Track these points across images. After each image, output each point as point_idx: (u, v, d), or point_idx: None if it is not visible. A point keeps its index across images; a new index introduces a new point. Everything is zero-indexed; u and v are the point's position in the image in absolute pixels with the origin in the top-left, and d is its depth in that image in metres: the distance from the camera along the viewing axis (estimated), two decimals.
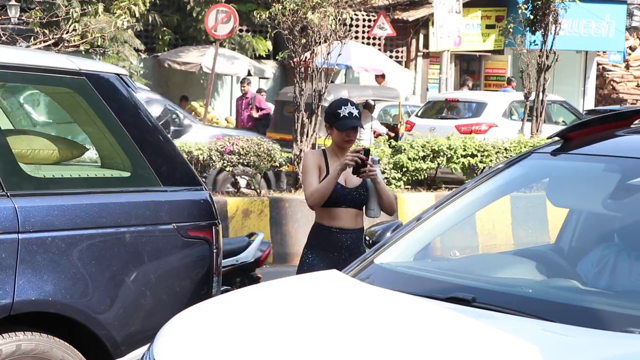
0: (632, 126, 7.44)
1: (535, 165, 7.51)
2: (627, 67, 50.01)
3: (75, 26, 26.37)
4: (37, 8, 29.35)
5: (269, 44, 35.95)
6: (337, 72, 25.32)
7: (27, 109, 9.69)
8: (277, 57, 36.15)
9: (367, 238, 7.61)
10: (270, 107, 33.45)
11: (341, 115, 9.81)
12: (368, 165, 9.66)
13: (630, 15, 49.02)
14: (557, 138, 7.53)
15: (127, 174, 8.70)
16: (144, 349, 6.56)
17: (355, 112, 9.90)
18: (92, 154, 9.05)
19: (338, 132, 9.97)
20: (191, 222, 8.60)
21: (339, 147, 10.12)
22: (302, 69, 22.18)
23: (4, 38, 23.92)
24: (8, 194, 7.82)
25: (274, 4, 29.18)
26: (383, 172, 21.26)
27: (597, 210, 7.16)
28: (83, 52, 23.45)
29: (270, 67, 36.90)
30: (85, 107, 8.77)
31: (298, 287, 7.09)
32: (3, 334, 7.70)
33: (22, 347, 7.76)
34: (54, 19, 27.68)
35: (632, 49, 50.40)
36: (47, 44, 24.09)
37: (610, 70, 49.56)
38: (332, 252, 9.51)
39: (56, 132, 9.38)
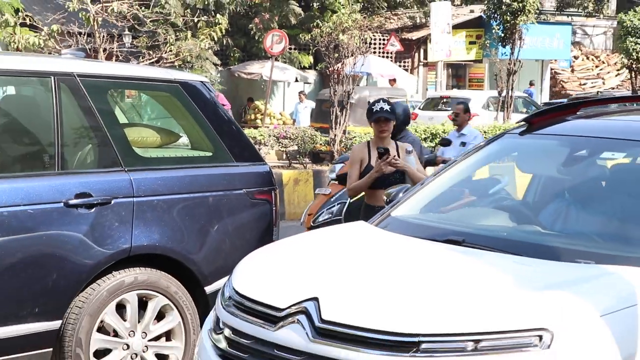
0: (577, 113, 7.51)
1: (507, 143, 7.55)
2: (572, 71, 49.63)
3: (171, 48, 26.46)
4: (144, 36, 29.39)
5: (311, 58, 35.71)
6: (360, 78, 25.23)
7: (137, 110, 9.73)
8: (316, 68, 35.98)
9: (385, 197, 7.67)
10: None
11: (374, 110, 9.40)
12: (393, 159, 9.30)
13: (574, 33, 48.57)
14: (523, 123, 7.58)
15: (209, 154, 8.82)
16: (224, 279, 6.60)
17: (386, 107, 9.36)
18: (184, 139, 9.13)
19: (373, 125, 9.54)
20: (256, 188, 8.71)
21: (377, 137, 9.64)
22: (335, 76, 22.17)
23: (120, 58, 24.02)
24: (126, 169, 7.94)
25: (315, 29, 29.09)
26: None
27: (552, 175, 7.19)
28: (177, 67, 23.41)
29: (311, 75, 36.68)
30: (179, 106, 8.88)
31: (338, 232, 7.23)
32: (125, 269, 7.83)
33: (138, 278, 7.86)
34: (156, 43, 27.79)
35: (576, 57, 50.00)
36: (151, 61, 24.23)
37: (560, 74, 49.20)
38: None
39: (158, 124, 9.46)
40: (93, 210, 7.69)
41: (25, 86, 8.21)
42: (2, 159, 7.89)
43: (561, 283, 5.51)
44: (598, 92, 43.08)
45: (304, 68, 36.69)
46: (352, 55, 23.02)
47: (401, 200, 7.21)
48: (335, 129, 21.01)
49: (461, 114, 15.58)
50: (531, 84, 43.24)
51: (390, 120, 9.46)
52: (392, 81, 37.92)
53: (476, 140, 14.20)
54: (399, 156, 9.43)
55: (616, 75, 47.72)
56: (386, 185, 8.84)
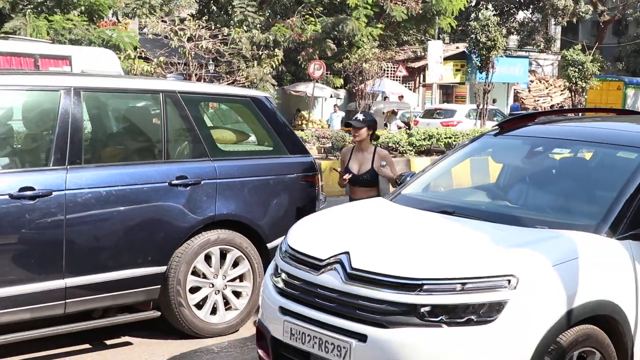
0: (535, 121, 7.47)
1: (485, 141, 7.52)
2: (529, 91, 49.39)
3: (242, 73, 26.52)
4: (223, 64, 29.37)
5: (342, 80, 35.65)
6: (377, 94, 25.24)
7: (219, 117, 9.73)
8: (346, 87, 35.88)
9: (397, 180, 7.70)
10: None
11: (353, 118, 8.68)
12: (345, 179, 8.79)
13: (530, 64, 48.36)
14: (496, 127, 7.55)
15: (270, 149, 8.79)
16: (281, 238, 6.62)
17: (360, 117, 8.58)
18: (252, 138, 9.14)
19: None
20: (303, 173, 8.69)
21: (354, 141, 8.84)
22: (359, 93, 22.24)
23: (206, 80, 24.10)
24: (211, 159, 7.98)
25: (345, 59, 28.98)
26: (400, 147, 21.26)
27: (517, 164, 7.18)
28: (246, 86, 23.40)
29: (342, 93, 36.62)
30: (249, 114, 8.87)
31: (362, 205, 7.18)
32: (211, 230, 7.87)
33: (220, 237, 7.88)
34: (232, 70, 27.83)
35: (532, 81, 49.77)
36: (228, 82, 24.27)
37: (520, 93, 48.94)
38: None
39: (233, 127, 9.48)
40: (188, 188, 7.72)
41: (142, 100, 8.25)
42: (126, 152, 8.06)
43: (524, 242, 5.54)
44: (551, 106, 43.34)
45: (336, 87, 36.63)
46: (371, 79, 23.11)
47: (408, 182, 7.20)
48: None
49: None
50: (494, 101, 42.98)
51: (359, 127, 8.52)
52: (400, 97, 37.80)
53: None
54: (373, 159, 8.66)
55: (560, 94, 47.53)
56: (359, 182, 8.61)
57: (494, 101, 43.50)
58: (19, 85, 7.57)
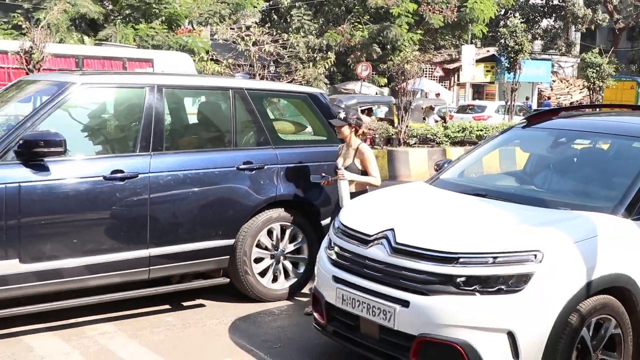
0: (558, 115, 7.39)
1: (514, 133, 7.42)
2: (551, 89, 48.84)
3: (299, 73, 26.46)
4: (283, 65, 29.39)
5: (385, 80, 35.53)
6: (417, 92, 25.08)
7: (280, 110, 9.70)
8: (389, 86, 35.66)
9: (435, 167, 7.61)
10: None
11: (335, 116, 7.89)
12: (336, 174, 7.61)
13: (552, 66, 47.78)
14: (524, 120, 7.47)
15: (324, 138, 8.66)
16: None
17: (341, 115, 7.72)
18: (308, 129, 9.09)
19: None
20: None
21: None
22: (401, 91, 21.99)
23: (268, 79, 24.15)
24: (273, 147, 7.97)
25: (388, 61, 28.84)
26: (437, 138, 21.18)
27: (543, 153, 7.07)
28: (303, 84, 23.35)
29: (385, 90, 36.44)
30: (306, 108, 8.82)
31: (405, 188, 7.16)
32: (272, 209, 7.88)
33: (280, 215, 7.88)
34: (290, 70, 27.80)
35: (554, 81, 49.20)
36: (287, 81, 24.27)
37: (543, 91, 48.42)
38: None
39: (293, 119, 9.44)
40: (253, 172, 7.73)
41: (214, 96, 8.28)
42: (200, 141, 8.07)
43: (549, 222, 5.50)
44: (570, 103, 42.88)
45: (381, 86, 36.48)
46: (411, 78, 22.86)
47: (445, 169, 7.15)
48: (401, 124, 20.86)
49: None
50: (527, 98, 42.73)
51: (339, 126, 7.65)
52: (437, 94, 37.57)
53: None
54: (355, 154, 7.67)
55: (579, 93, 46.91)
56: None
57: (527, 98, 43.16)
58: (111, 84, 7.69)
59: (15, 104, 7.65)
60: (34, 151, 6.48)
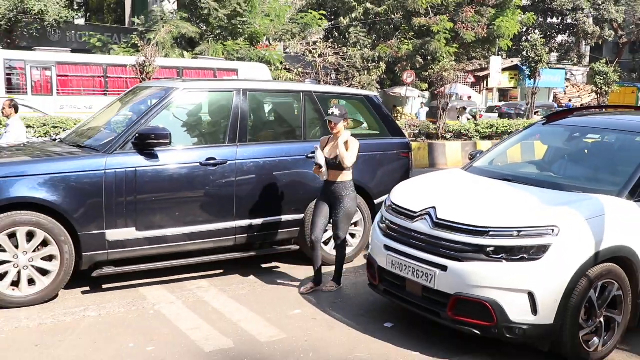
0: (573, 114, 7.26)
1: (535, 129, 7.29)
2: (565, 93, 47.81)
3: (356, 79, 26.40)
4: (342, 73, 29.32)
5: (427, 85, 35.19)
6: (452, 95, 24.82)
7: None
8: (429, 90, 35.34)
9: (469, 156, 7.52)
10: None
11: (327, 113, 6.84)
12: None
13: (566, 74, 46.82)
14: (544, 118, 7.36)
15: (378, 132, 8.62)
16: (385, 196, 6.62)
17: (336, 112, 6.75)
18: (365, 125, 9.04)
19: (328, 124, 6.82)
20: (401, 150, 8.54)
21: (330, 132, 6.90)
22: (440, 94, 21.83)
23: (331, 84, 24.10)
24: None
25: (429, 70, 28.55)
26: (469, 133, 20.92)
27: (560, 146, 6.94)
28: (359, 88, 23.27)
29: (427, 94, 36.09)
30: (362, 108, 8.78)
31: (444, 173, 7.10)
32: None
33: None
34: (348, 77, 27.70)
35: (567, 87, 48.17)
36: (347, 86, 24.16)
37: (558, 95, 47.41)
38: (326, 194, 6.88)
39: (351, 117, 9.39)
40: None
41: (289, 98, 8.26)
42: (276, 134, 8.01)
43: (564, 202, 5.42)
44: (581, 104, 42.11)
45: (423, 90, 36.15)
46: (448, 84, 22.68)
47: (478, 158, 7.07)
48: (440, 121, 20.71)
49: (6, 109, 10.45)
50: (555, 99, 41.83)
51: (337, 122, 6.73)
52: (469, 97, 37.15)
53: (11, 127, 10.28)
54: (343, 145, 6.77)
55: (588, 96, 45.83)
56: (329, 165, 6.80)
57: (555, 98, 42.48)
58: (206, 89, 7.77)
59: (132, 106, 7.79)
60: (146, 142, 6.61)
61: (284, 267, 7.84)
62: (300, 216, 7.68)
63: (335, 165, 6.78)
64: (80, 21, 37.50)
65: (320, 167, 6.78)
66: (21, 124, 10.45)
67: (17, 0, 29.20)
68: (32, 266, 6.25)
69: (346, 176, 6.88)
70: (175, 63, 23.78)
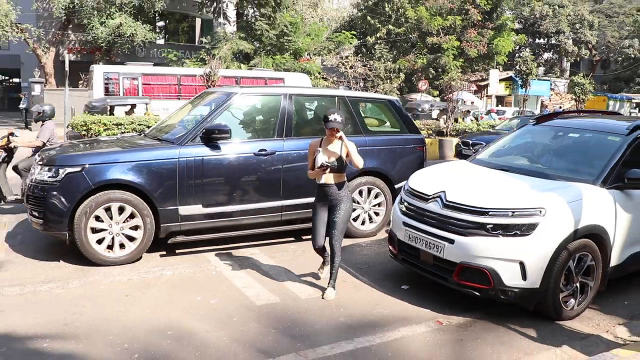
0: (558, 117, 7.10)
1: (527, 129, 7.13)
2: (550, 100, 46.79)
3: (380, 87, 26.18)
4: (369, 82, 29.10)
5: (437, 92, 34.76)
6: (458, 100, 24.39)
7: (368, 111, 9.55)
8: (440, 96, 34.86)
9: (473, 150, 7.39)
10: None
11: (329, 119, 5.50)
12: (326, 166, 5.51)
13: (550, 84, 45.82)
14: (534, 120, 7.19)
15: (398, 130, 8.44)
16: (403, 182, 6.55)
17: (338, 118, 5.56)
18: (387, 124, 8.89)
19: (327, 129, 5.52)
20: (417, 145, 8.39)
21: (328, 137, 5.61)
22: (449, 100, 21.52)
23: (360, 90, 23.93)
24: (364, 135, 7.85)
25: (440, 79, 28.10)
26: (472, 131, 20.55)
27: (546, 142, 6.76)
28: (383, 94, 23.11)
29: (437, 99, 35.70)
30: (385, 110, 8.65)
31: (452, 164, 6.96)
32: (362, 177, 7.77)
33: (368, 180, 7.75)
34: (374, 85, 27.42)
35: (552, 95, 47.14)
36: (374, 92, 23.90)
37: (544, 101, 46.45)
38: (323, 197, 5.67)
39: (377, 117, 9.28)
40: None
41: (326, 101, 8.15)
42: (315, 130, 7.75)
43: (550, 188, 5.33)
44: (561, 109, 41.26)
45: (434, 96, 35.72)
46: (455, 91, 22.36)
47: (480, 151, 6.93)
48: (447, 121, 20.42)
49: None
50: (542, 105, 41.11)
51: (340, 128, 5.55)
52: (472, 102, 36.54)
53: None
54: (341, 147, 5.63)
55: (568, 103, 44.83)
56: (330, 170, 5.60)
57: (542, 105, 41.85)
58: (259, 93, 7.78)
59: (200, 107, 7.81)
60: (211, 136, 6.63)
61: None
62: None
63: (336, 167, 5.62)
64: (161, 41, 37.83)
65: (327, 167, 5.51)
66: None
67: (115, 26, 29.66)
68: (122, 234, 6.34)
69: (343, 177, 5.75)
70: (234, 73, 23.81)
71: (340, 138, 5.62)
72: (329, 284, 5.76)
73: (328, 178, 5.65)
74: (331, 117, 5.54)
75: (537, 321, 5.18)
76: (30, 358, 4.22)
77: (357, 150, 5.69)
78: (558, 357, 4.53)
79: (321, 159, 5.61)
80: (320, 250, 5.91)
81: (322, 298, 5.59)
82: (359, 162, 5.57)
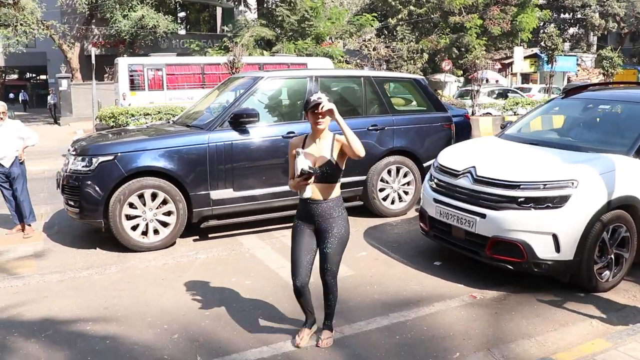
0: (587, 89, 6.99)
1: (555, 102, 7.05)
2: (577, 76, 45.97)
3: (404, 68, 26.02)
4: (392, 63, 28.91)
5: (461, 72, 34.41)
6: (483, 79, 24.12)
7: (395, 90, 9.47)
8: (464, 75, 34.50)
9: (501, 126, 7.34)
10: None
11: (311, 100, 3.85)
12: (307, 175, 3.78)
13: (577, 59, 44.94)
14: (562, 93, 7.10)
15: (424, 108, 8.39)
16: (432, 160, 6.53)
17: (324, 97, 3.86)
18: (414, 102, 8.81)
19: (310, 115, 3.90)
20: (444, 122, 8.33)
21: (314, 128, 3.94)
22: (473, 79, 21.27)
23: (386, 68, 23.82)
24: (391, 114, 7.83)
25: (463, 59, 27.77)
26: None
27: (576, 115, 6.68)
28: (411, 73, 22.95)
29: (461, 79, 35.35)
30: (412, 88, 8.60)
31: (481, 140, 6.99)
32: (390, 156, 7.76)
33: (396, 159, 7.76)
34: (397, 66, 27.23)
35: (578, 71, 46.26)
36: (401, 72, 23.77)
37: (570, 77, 45.66)
38: (309, 218, 4.01)
39: (403, 96, 9.23)
40: (378, 131, 7.62)
41: (351, 82, 8.16)
42: (342, 112, 7.60)
43: (581, 160, 5.27)
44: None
45: (458, 76, 35.35)
46: (480, 70, 22.10)
47: (508, 127, 6.87)
48: (473, 100, 20.23)
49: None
50: (569, 81, 40.52)
51: (326, 111, 3.84)
52: (496, 81, 36.12)
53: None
54: (332, 147, 3.95)
55: (596, 78, 44.03)
56: (317, 180, 3.89)
57: (568, 80, 41.22)
58: (285, 77, 7.80)
59: (227, 92, 7.87)
60: (240, 121, 6.69)
61: (350, 219, 7.60)
62: (364, 177, 7.64)
63: (324, 176, 3.92)
64: (182, 32, 38.01)
65: (310, 175, 3.80)
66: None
67: (137, 19, 29.94)
68: (156, 220, 6.45)
69: (337, 190, 4.05)
70: (257, 60, 23.89)
71: (323, 131, 3.96)
72: (324, 324, 4.26)
73: (315, 191, 3.95)
74: (314, 97, 3.88)
75: (572, 293, 5.15)
76: (76, 340, 4.35)
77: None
78: (594, 328, 4.51)
79: (302, 163, 3.80)
80: (302, 293, 4.11)
81: (317, 345, 4.16)
82: (359, 148, 3.83)
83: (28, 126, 7.75)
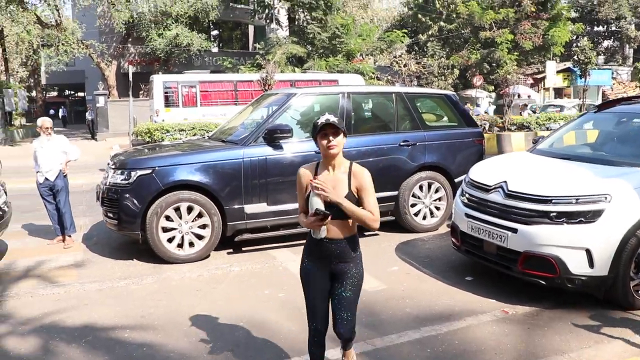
0: (621, 103, 6.91)
1: (588, 116, 7.02)
2: (612, 90, 45.27)
3: (434, 84, 26.01)
4: (423, 79, 28.92)
5: (493, 87, 34.21)
6: (514, 95, 23.98)
7: (425, 106, 9.50)
8: (495, 91, 34.29)
9: (533, 141, 7.32)
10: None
11: (319, 122, 3.20)
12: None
13: (612, 73, 44.23)
14: (595, 107, 7.06)
15: (456, 124, 8.40)
16: (463, 175, 6.53)
17: (332, 118, 3.21)
18: (445, 118, 8.82)
19: (319, 140, 3.25)
20: (475, 138, 8.35)
21: (325, 156, 3.29)
22: (505, 94, 21.15)
23: (417, 84, 23.79)
24: (422, 130, 7.88)
25: (495, 74, 27.61)
26: (530, 125, 20.07)
27: (609, 130, 6.63)
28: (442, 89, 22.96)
29: (493, 94, 35.12)
30: (443, 104, 8.63)
31: (513, 155, 6.97)
32: (422, 172, 7.80)
33: (429, 175, 7.78)
34: (428, 82, 27.24)
35: (614, 84, 45.56)
36: (432, 88, 23.76)
37: (606, 91, 44.95)
38: (323, 259, 3.37)
39: (434, 112, 9.24)
40: (409, 147, 7.66)
41: (383, 98, 8.23)
42: (373, 127, 7.96)
43: (615, 175, 5.21)
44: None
45: (490, 91, 35.15)
46: (511, 85, 21.96)
47: (540, 142, 6.84)
48: (505, 115, 20.09)
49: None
50: (604, 95, 39.91)
51: (339, 131, 3.25)
52: (529, 96, 35.72)
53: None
54: (349, 179, 3.35)
55: (633, 91, 43.27)
56: (332, 213, 3.21)
57: (603, 94, 40.59)
58: (318, 93, 7.91)
59: (261, 109, 8.00)
60: (273, 136, 6.80)
61: (382, 234, 7.83)
62: (395, 193, 7.67)
63: (342, 213, 3.30)
64: (215, 49, 38.69)
65: (326, 215, 3.21)
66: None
67: (172, 37, 30.62)
68: (192, 232, 6.60)
69: (354, 228, 3.44)
70: (289, 77, 24.17)
71: (336, 155, 3.33)
72: (343, 351, 3.75)
73: (331, 230, 3.36)
74: (322, 118, 3.26)
75: (607, 310, 5.09)
76: (114, 346, 4.48)
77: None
78: (630, 346, 4.45)
79: (318, 202, 3.25)
80: (322, 343, 3.57)
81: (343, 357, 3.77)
82: (371, 219, 3.31)
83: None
